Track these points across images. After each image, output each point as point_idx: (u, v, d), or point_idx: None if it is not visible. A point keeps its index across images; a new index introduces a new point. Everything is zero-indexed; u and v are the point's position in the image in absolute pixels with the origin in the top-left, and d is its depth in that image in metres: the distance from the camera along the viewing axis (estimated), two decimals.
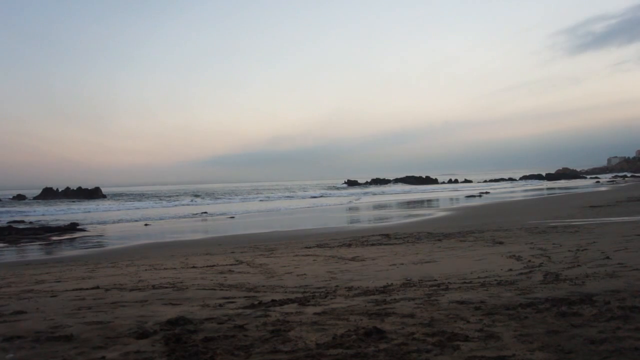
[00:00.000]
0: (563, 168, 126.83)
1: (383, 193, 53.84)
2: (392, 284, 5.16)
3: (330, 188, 73.55)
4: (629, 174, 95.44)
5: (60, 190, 56.43)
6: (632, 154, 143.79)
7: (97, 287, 5.77)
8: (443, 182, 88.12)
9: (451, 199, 34.71)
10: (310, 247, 10.11)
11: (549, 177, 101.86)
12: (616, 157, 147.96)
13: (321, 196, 48.68)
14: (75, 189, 55.57)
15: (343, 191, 61.53)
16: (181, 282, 5.95)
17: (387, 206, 29.96)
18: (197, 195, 55.97)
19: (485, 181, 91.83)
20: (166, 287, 5.53)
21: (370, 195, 49.84)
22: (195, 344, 2.89)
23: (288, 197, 48.67)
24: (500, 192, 44.22)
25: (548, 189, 49.50)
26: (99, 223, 22.43)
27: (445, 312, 3.49)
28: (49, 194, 55.91)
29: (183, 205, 37.95)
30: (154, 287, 5.63)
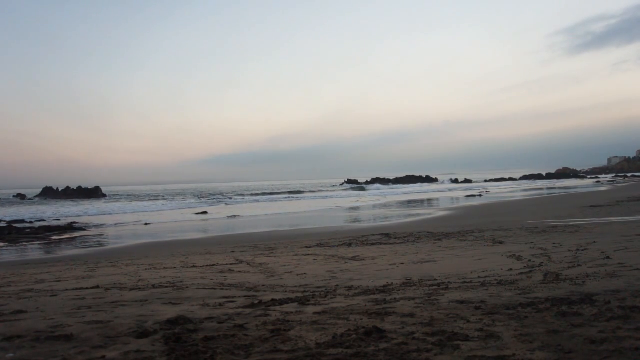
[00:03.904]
0: (563, 168, 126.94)
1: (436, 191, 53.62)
2: (392, 283, 5.16)
3: (347, 188, 73.45)
4: (629, 174, 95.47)
5: (60, 189, 56.48)
6: (632, 154, 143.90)
7: (97, 287, 5.77)
8: (444, 182, 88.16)
9: (451, 199, 34.70)
10: (310, 247, 10.12)
11: (549, 177, 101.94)
12: (616, 157, 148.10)
13: (344, 197, 48.14)
14: (75, 188, 55.61)
15: (369, 191, 60.98)
16: (181, 282, 5.95)
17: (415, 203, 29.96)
18: (221, 194, 55.72)
19: (485, 181, 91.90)
20: (166, 287, 5.53)
21: (395, 194, 49.31)
22: (195, 343, 2.89)
23: (328, 196, 48.36)
24: (500, 192, 44.22)
25: (548, 188, 49.50)
26: (99, 222, 22.44)
27: (446, 312, 3.49)
28: (49, 194, 55.97)
29: (214, 204, 37.82)
30: (154, 286, 5.63)
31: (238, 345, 2.83)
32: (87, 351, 2.81)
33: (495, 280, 4.97)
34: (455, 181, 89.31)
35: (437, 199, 35.11)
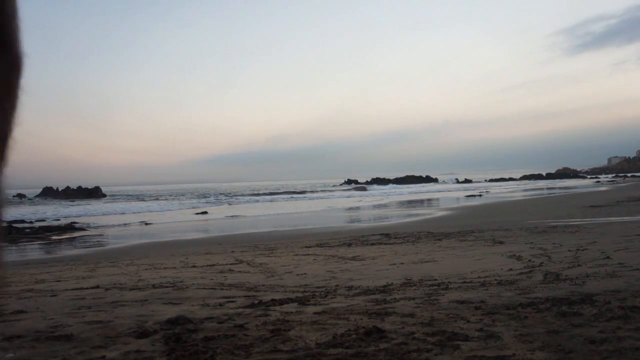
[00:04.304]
0: (563, 168, 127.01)
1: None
2: (392, 283, 5.16)
3: (354, 188, 73.20)
4: (629, 174, 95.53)
5: (60, 189, 56.49)
6: (632, 154, 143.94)
7: (97, 287, 5.77)
8: (445, 182, 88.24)
9: (451, 199, 34.71)
10: (310, 247, 10.11)
11: (549, 177, 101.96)
12: (616, 157, 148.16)
13: (349, 197, 47.70)
14: (75, 188, 55.60)
15: (369, 191, 60.70)
16: (181, 282, 5.94)
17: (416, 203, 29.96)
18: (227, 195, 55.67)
19: (485, 181, 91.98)
20: (166, 287, 5.53)
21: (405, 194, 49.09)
22: (195, 343, 2.89)
23: (328, 196, 48.25)
24: (500, 192, 44.22)
25: (548, 188, 49.51)
26: (99, 222, 22.42)
27: (446, 312, 3.49)
28: (49, 193, 55.98)
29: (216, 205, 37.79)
30: (154, 286, 5.63)
31: (238, 345, 2.83)
32: (87, 351, 2.81)
33: (495, 280, 4.97)
34: (457, 181, 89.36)
35: (437, 199, 35.10)
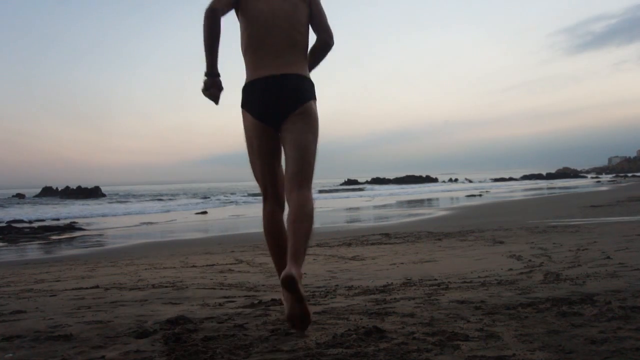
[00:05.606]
0: (563, 168, 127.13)
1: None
2: (392, 283, 5.15)
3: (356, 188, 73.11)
4: (629, 174, 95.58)
5: (59, 189, 56.49)
6: (632, 154, 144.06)
7: (97, 287, 5.76)
8: (443, 182, 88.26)
9: (451, 198, 34.72)
10: (310, 247, 10.10)
11: (549, 176, 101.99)
12: (617, 156, 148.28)
13: (349, 196, 47.60)
14: (74, 188, 55.59)
15: (371, 191, 60.79)
16: (181, 282, 5.94)
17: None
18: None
19: (485, 181, 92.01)
20: (166, 287, 5.52)
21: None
22: (195, 343, 2.89)
23: (328, 196, 48.37)
24: (500, 192, 44.21)
25: (548, 188, 49.52)
26: (98, 222, 22.43)
27: (446, 312, 3.49)
28: (48, 193, 56.01)
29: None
30: (153, 286, 5.62)
31: (238, 345, 2.83)
32: (86, 351, 2.81)
33: (495, 280, 4.96)
34: (455, 180, 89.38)
35: (437, 199, 35.10)
